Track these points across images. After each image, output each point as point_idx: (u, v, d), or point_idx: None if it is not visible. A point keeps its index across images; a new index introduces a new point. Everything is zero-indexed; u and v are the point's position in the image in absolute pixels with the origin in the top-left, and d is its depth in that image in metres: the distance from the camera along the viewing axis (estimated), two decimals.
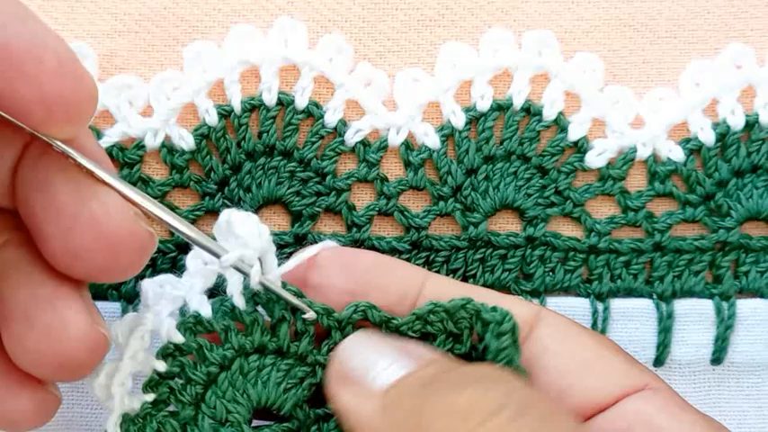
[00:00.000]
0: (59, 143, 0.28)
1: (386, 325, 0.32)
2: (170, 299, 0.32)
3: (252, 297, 0.33)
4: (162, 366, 0.32)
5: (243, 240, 0.31)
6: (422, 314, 0.32)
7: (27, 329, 0.28)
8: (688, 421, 0.31)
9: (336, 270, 0.34)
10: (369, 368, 0.31)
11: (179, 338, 0.32)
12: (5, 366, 0.29)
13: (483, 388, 0.28)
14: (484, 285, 0.39)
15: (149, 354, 0.32)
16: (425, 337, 0.33)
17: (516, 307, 0.33)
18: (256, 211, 0.40)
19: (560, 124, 0.40)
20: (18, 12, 0.26)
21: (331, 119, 0.40)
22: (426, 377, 0.30)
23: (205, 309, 0.32)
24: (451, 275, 0.40)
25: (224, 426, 0.31)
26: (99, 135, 0.39)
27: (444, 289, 0.34)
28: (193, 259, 0.33)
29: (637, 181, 0.41)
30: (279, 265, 0.33)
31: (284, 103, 0.40)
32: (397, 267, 0.35)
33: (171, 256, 0.39)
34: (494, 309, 0.32)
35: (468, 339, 0.32)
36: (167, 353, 0.32)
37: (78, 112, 0.26)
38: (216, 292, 0.33)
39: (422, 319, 0.32)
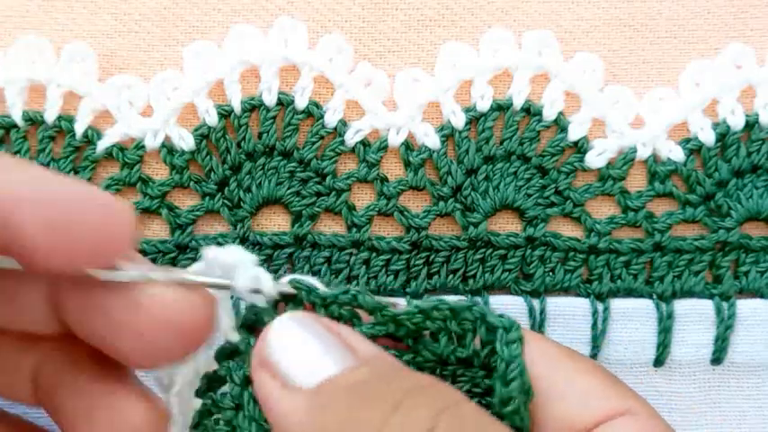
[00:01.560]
0: (103, 274, 0.28)
1: (380, 313, 0.30)
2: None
3: (243, 326, 0.31)
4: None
5: (237, 267, 0.31)
6: (425, 308, 0.30)
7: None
8: None
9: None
10: (299, 359, 0.28)
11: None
12: None
13: (414, 404, 0.26)
14: (484, 285, 0.39)
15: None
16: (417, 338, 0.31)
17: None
18: (256, 211, 0.40)
19: (560, 124, 0.40)
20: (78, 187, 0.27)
21: (331, 119, 0.40)
22: (358, 381, 0.28)
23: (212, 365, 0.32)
24: (451, 276, 0.40)
25: None
26: (99, 135, 0.39)
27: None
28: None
29: (637, 181, 0.41)
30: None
31: (284, 103, 0.40)
32: None
33: (171, 257, 0.39)
34: (500, 315, 0.30)
35: (471, 343, 0.31)
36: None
37: (120, 247, 0.28)
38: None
39: (424, 312, 0.30)
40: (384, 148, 0.40)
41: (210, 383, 0.32)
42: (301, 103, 0.40)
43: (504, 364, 0.29)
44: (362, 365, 0.28)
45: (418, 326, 0.31)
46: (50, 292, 0.30)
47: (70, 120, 0.39)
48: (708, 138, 0.40)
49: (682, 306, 0.40)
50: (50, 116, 0.39)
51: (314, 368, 0.28)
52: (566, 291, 0.40)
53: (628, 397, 0.31)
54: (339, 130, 0.40)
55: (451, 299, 0.31)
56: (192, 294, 0.29)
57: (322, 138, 0.40)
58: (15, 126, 0.39)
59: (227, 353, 0.31)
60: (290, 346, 0.29)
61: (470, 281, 0.40)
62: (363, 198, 0.40)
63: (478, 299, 0.39)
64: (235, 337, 0.31)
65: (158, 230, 0.40)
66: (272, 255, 0.39)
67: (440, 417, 0.26)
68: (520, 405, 0.29)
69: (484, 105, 0.40)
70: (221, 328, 0.31)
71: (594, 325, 0.39)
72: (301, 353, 0.28)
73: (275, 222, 0.40)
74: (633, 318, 0.40)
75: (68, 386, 0.31)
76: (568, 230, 0.40)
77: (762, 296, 0.40)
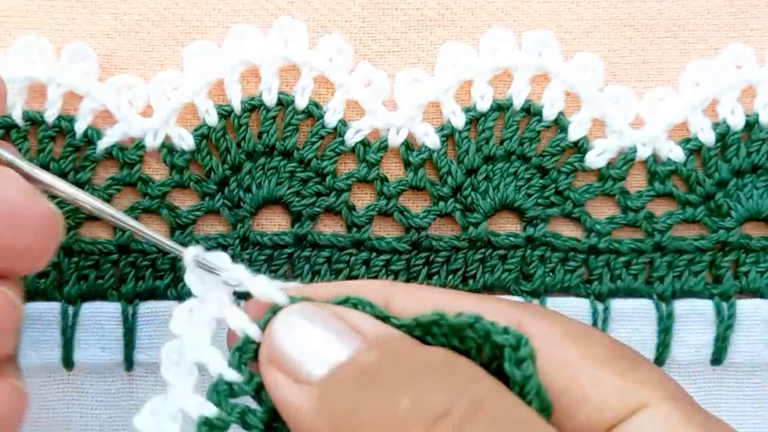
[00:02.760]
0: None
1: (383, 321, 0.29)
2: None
3: (240, 362, 0.30)
4: None
5: (222, 269, 0.31)
6: (424, 322, 0.29)
7: None
8: None
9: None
10: (306, 350, 0.27)
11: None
12: None
13: (427, 387, 0.25)
14: (484, 285, 0.39)
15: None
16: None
17: (498, 314, 0.29)
18: (256, 211, 0.40)
19: (560, 124, 0.40)
20: None
21: (331, 119, 0.40)
22: (367, 366, 0.26)
23: (209, 409, 0.29)
24: (451, 276, 0.40)
25: None
26: (99, 135, 0.39)
27: (412, 298, 0.31)
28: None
29: (637, 181, 0.41)
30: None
31: (284, 103, 0.40)
32: (365, 285, 0.32)
33: (170, 257, 0.39)
34: (505, 330, 0.27)
35: (476, 357, 0.28)
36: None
37: None
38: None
39: (423, 326, 0.29)
40: (384, 148, 0.40)
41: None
42: (301, 103, 0.40)
43: (518, 387, 0.27)
44: (371, 347, 0.27)
45: (420, 338, 0.29)
46: None
47: (70, 119, 0.39)
48: (708, 138, 0.40)
49: (682, 306, 0.40)
50: (50, 116, 0.39)
51: (323, 357, 0.27)
52: (566, 291, 0.40)
53: (642, 386, 0.28)
54: (339, 130, 0.40)
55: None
56: (47, 204, 0.28)
57: (322, 138, 0.40)
58: (15, 126, 0.39)
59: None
60: (297, 337, 0.28)
61: (470, 281, 0.40)
62: (363, 198, 0.40)
63: None
64: (233, 375, 0.30)
65: (158, 230, 0.40)
66: (272, 255, 0.39)
67: (456, 398, 0.24)
68: None
69: (484, 105, 0.40)
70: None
71: (594, 325, 0.39)
72: (308, 343, 0.27)
73: (275, 222, 0.40)
74: (633, 318, 0.40)
75: None
76: (568, 230, 0.40)
77: (762, 296, 0.40)
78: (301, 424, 0.26)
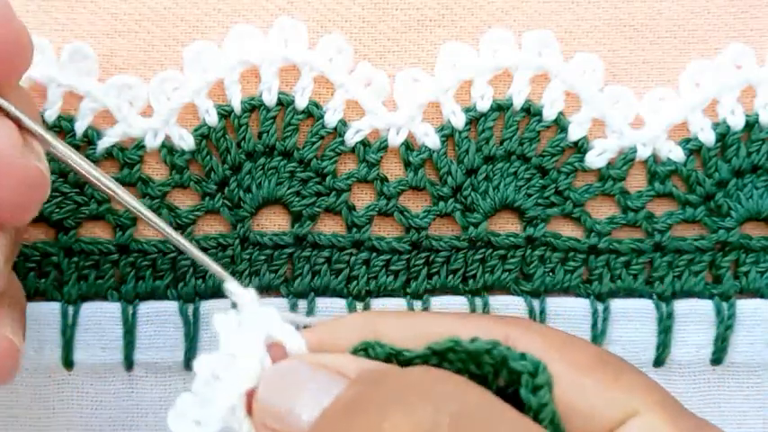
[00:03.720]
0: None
1: (396, 359, 0.29)
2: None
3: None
4: None
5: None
6: (440, 350, 0.28)
7: None
8: None
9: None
10: (293, 401, 0.27)
11: None
12: None
13: (411, 406, 0.25)
14: (484, 285, 0.40)
15: None
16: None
17: (485, 331, 0.30)
18: (256, 211, 0.40)
19: (560, 124, 0.40)
20: None
21: (331, 119, 0.40)
22: (351, 399, 0.27)
23: None
24: (451, 276, 0.40)
25: None
26: (99, 135, 0.39)
27: (398, 326, 0.31)
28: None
29: (637, 181, 0.41)
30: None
31: (284, 103, 0.40)
32: (349, 321, 0.32)
33: (171, 257, 0.39)
34: (522, 356, 0.27)
35: (493, 383, 0.28)
36: None
37: (9, 64, 0.26)
38: None
39: (438, 355, 0.28)
40: (384, 148, 0.40)
41: None
42: (301, 103, 0.40)
43: (533, 413, 0.26)
44: (351, 384, 0.27)
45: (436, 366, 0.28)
46: None
47: (70, 119, 0.39)
48: (708, 138, 0.40)
49: (681, 306, 0.40)
50: (50, 116, 0.39)
51: (312, 405, 0.27)
52: (566, 291, 0.40)
53: (631, 393, 0.28)
54: (339, 130, 0.40)
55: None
56: (35, 163, 0.29)
57: (322, 138, 0.40)
58: None
59: None
60: (283, 394, 0.28)
61: (470, 281, 0.40)
62: (363, 198, 0.40)
63: (478, 300, 0.39)
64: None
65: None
66: (272, 255, 0.39)
67: (442, 413, 0.24)
68: None
69: (484, 105, 0.40)
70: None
71: (594, 325, 0.39)
72: (296, 397, 0.28)
73: (275, 222, 0.40)
74: (633, 318, 0.40)
75: None
76: (568, 230, 0.40)
77: (762, 296, 0.40)
78: None
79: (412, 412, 0.24)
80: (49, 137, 0.30)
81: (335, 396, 0.27)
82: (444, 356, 0.28)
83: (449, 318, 0.32)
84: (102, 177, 0.32)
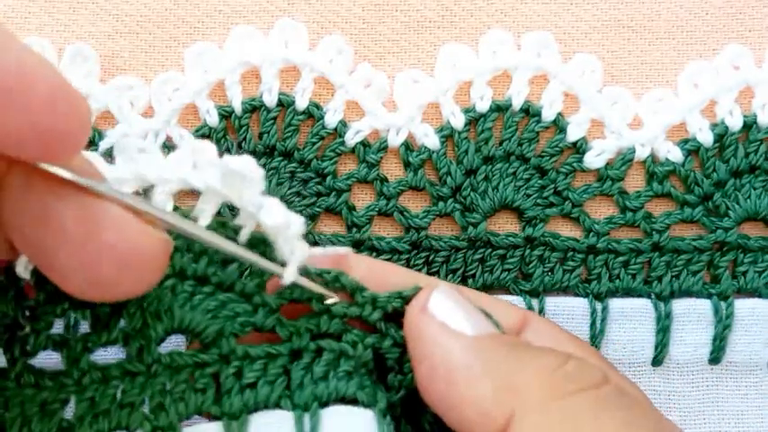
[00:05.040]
0: (56, 169, 0.25)
1: (361, 295, 0.32)
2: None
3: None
4: None
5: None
6: (407, 296, 0.32)
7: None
8: None
9: (367, 277, 0.33)
10: (460, 315, 0.31)
11: None
12: None
13: (589, 364, 0.30)
14: (483, 285, 0.40)
15: None
16: None
17: (506, 310, 0.34)
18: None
19: (559, 125, 0.40)
20: (3, 41, 0.24)
21: (331, 120, 0.40)
22: (518, 342, 0.31)
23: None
24: (451, 276, 0.40)
25: (134, 337, 0.30)
26: (100, 136, 0.39)
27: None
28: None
29: (635, 181, 0.41)
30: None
31: (285, 104, 0.40)
32: (418, 277, 0.36)
33: None
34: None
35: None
36: None
37: (73, 142, 0.25)
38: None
39: (404, 299, 0.32)
40: (384, 148, 0.40)
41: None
42: (302, 103, 0.40)
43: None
44: (512, 335, 0.32)
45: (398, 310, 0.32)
46: None
47: None
48: (706, 138, 0.40)
49: (680, 306, 0.40)
50: None
51: (473, 324, 0.31)
52: (564, 290, 0.40)
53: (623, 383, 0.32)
54: (339, 131, 0.40)
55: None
56: (159, 234, 0.27)
57: (322, 138, 0.40)
58: None
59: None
60: (451, 305, 0.32)
61: (470, 281, 0.40)
62: (363, 198, 0.40)
63: None
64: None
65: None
66: None
67: (609, 381, 0.29)
68: None
69: (483, 106, 0.40)
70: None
71: (593, 324, 0.39)
72: (461, 312, 0.31)
73: None
74: (631, 317, 0.40)
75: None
76: (567, 230, 0.41)
77: (759, 296, 0.40)
78: (451, 357, 0.30)
79: (589, 367, 0.30)
80: (128, 200, 0.28)
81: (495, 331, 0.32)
82: (409, 301, 0.32)
83: (483, 297, 0.36)
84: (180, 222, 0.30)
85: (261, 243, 0.31)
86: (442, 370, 0.30)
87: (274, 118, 0.40)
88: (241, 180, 0.28)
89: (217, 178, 0.28)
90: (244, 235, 0.30)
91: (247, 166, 0.28)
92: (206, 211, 0.29)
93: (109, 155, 0.39)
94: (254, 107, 0.40)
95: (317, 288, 0.32)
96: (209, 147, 0.28)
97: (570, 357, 0.30)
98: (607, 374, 0.30)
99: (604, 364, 0.33)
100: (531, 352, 0.30)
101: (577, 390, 0.28)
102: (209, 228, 0.30)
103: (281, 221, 0.29)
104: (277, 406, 0.30)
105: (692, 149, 0.41)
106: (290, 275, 0.30)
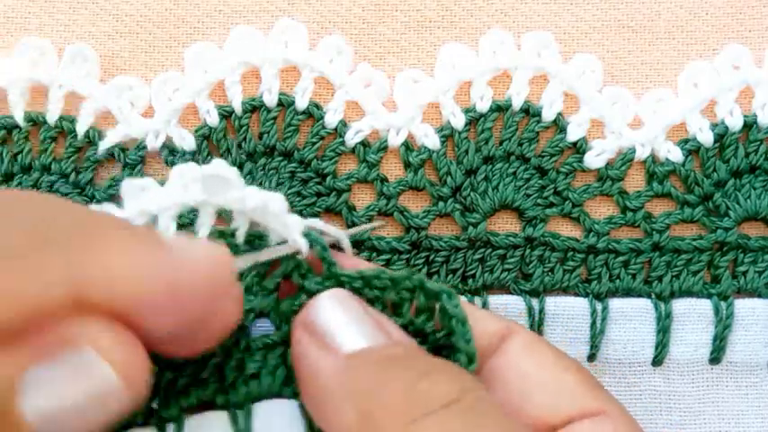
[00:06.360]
0: None
1: (328, 269, 0.33)
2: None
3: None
4: None
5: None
6: (367, 276, 0.33)
7: None
8: None
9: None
10: (340, 327, 0.30)
11: None
12: None
13: (443, 379, 0.28)
14: (483, 285, 0.40)
15: None
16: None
17: (488, 320, 0.34)
18: None
19: (559, 125, 0.40)
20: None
21: (331, 120, 0.40)
22: (393, 355, 0.30)
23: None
24: (451, 276, 0.40)
25: None
26: (101, 136, 0.39)
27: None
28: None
29: (635, 181, 0.41)
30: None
31: (285, 103, 0.40)
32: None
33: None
34: (436, 281, 0.33)
35: (407, 312, 0.32)
36: None
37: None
38: None
39: (365, 279, 0.33)
40: (384, 148, 0.40)
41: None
42: (302, 103, 0.40)
43: (460, 324, 0.31)
44: (398, 345, 0.30)
45: (357, 291, 0.33)
46: None
47: (72, 120, 0.39)
48: (706, 138, 0.40)
49: (680, 306, 0.40)
50: (52, 117, 0.39)
51: (352, 339, 0.30)
52: (565, 290, 0.40)
53: (604, 399, 0.32)
54: (339, 131, 0.40)
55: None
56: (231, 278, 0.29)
57: (322, 138, 0.40)
58: (17, 127, 0.39)
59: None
60: (333, 316, 0.31)
61: (470, 280, 0.40)
62: (363, 198, 0.40)
63: (478, 299, 0.40)
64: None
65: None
66: None
67: (465, 394, 0.28)
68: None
69: (483, 106, 0.40)
70: None
71: (593, 324, 0.39)
72: (342, 324, 0.31)
73: None
74: (632, 317, 0.40)
75: None
76: (567, 230, 0.41)
77: (760, 296, 0.40)
78: (317, 382, 0.29)
79: (443, 383, 0.28)
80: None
81: (377, 344, 0.30)
82: (369, 282, 0.32)
83: (466, 308, 0.34)
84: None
85: (257, 239, 0.32)
86: (312, 392, 0.30)
87: (274, 118, 0.40)
88: (221, 183, 0.30)
89: (201, 190, 0.30)
90: (240, 236, 0.32)
91: (219, 168, 0.30)
92: (204, 224, 0.31)
93: (109, 155, 0.39)
94: (254, 107, 0.40)
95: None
96: (192, 166, 0.31)
97: (428, 373, 0.29)
98: (465, 386, 0.29)
99: (597, 385, 0.33)
100: (392, 371, 0.29)
101: (427, 412, 0.27)
102: (211, 237, 0.31)
103: (259, 202, 0.31)
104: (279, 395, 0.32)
105: (693, 149, 0.41)
106: (295, 237, 0.32)
